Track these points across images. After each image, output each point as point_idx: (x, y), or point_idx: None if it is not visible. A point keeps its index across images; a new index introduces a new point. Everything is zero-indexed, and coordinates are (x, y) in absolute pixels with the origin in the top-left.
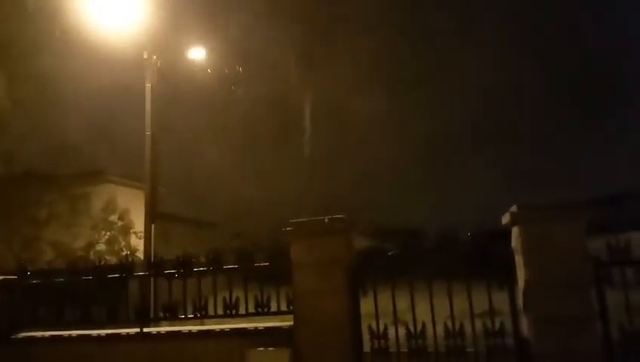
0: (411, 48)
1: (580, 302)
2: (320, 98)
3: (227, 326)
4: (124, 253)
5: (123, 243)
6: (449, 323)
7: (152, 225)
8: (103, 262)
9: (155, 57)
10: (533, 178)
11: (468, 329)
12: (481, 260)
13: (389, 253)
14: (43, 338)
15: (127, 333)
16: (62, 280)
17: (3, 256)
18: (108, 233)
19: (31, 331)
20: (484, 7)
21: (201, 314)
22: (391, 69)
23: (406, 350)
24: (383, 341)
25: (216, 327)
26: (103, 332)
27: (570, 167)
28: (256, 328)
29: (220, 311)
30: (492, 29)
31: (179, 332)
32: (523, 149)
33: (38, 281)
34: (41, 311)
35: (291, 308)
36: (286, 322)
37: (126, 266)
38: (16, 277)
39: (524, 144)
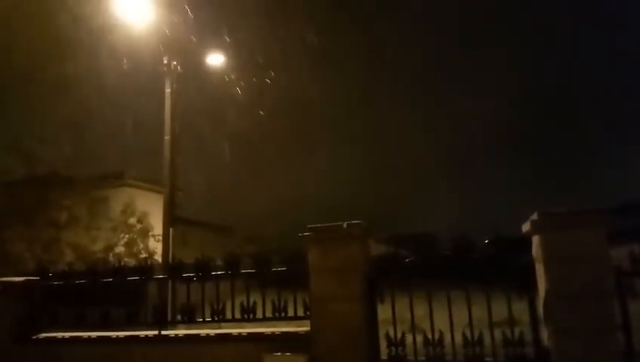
0: (432, 55)
1: (602, 312)
2: (339, 102)
3: (244, 330)
4: (142, 256)
5: (141, 246)
6: (467, 332)
7: (170, 229)
8: (122, 265)
9: (174, 63)
10: (554, 187)
11: (487, 338)
12: (501, 268)
13: (407, 260)
14: (63, 339)
15: (146, 335)
16: (82, 281)
17: (24, 257)
18: (127, 236)
19: (51, 332)
20: (514, 9)
21: (219, 317)
22: (413, 75)
23: (423, 358)
24: (400, 348)
25: (234, 331)
26: (122, 333)
27: (593, 175)
28: (272, 333)
29: (238, 315)
30: (514, 35)
31: (196, 335)
32: (544, 158)
33: (59, 283)
34: (61, 312)
35: (308, 313)
36: (303, 327)
37: (145, 269)
38: (37, 278)
39: (546, 153)
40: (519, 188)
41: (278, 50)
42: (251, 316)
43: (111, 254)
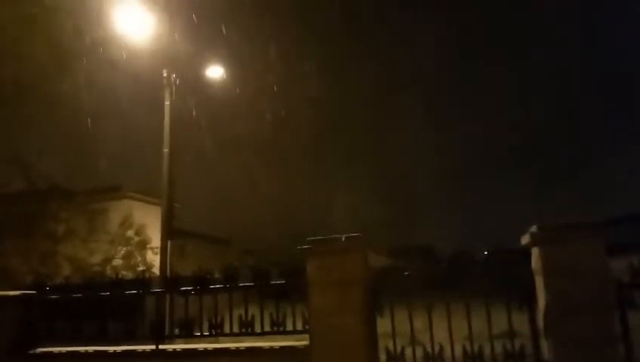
0: (433, 70)
1: (602, 324)
2: (338, 114)
3: (242, 344)
4: (140, 269)
5: (139, 259)
6: (467, 345)
7: (168, 241)
8: (119, 278)
9: (173, 75)
10: (556, 199)
11: (487, 350)
12: (501, 281)
13: (406, 273)
14: (60, 353)
15: (143, 350)
16: (79, 295)
17: (21, 270)
18: (124, 248)
19: (48, 346)
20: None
21: (217, 331)
22: (416, 89)
23: None
24: None
25: (232, 345)
26: (119, 348)
27: (593, 187)
28: (271, 347)
29: (236, 329)
30: (514, 40)
31: (194, 349)
32: (545, 170)
33: (56, 296)
34: (58, 326)
35: (307, 327)
36: (301, 341)
37: (143, 282)
38: (34, 292)
39: (546, 164)
40: (520, 201)
41: (281, 64)
42: (250, 330)
43: (108, 267)
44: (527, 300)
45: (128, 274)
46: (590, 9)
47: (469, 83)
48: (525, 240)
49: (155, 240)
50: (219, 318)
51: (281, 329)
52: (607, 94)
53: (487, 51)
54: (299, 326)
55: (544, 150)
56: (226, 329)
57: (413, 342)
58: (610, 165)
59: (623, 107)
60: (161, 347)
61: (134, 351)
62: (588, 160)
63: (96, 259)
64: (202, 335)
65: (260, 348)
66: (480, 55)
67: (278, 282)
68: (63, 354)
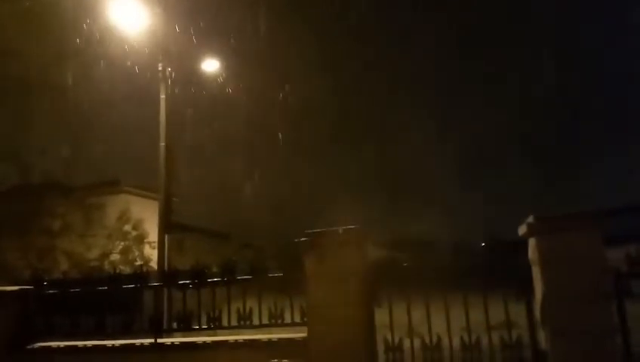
0: (439, 70)
1: (599, 314)
2: (338, 113)
3: (241, 337)
4: (138, 263)
5: (137, 253)
6: (465, 336)
7: (166, 236)
8: (117, 272)
9: (169, 69)
10: (554, 199)
11: (484, 341)
12: (498, 271)
13: (404, 264)
14: (58, 348)
15: (141, 344)
16: (77, 290)
17: (19, 265)
18: (122, 243)
19: (46, 341)
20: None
21: (215, 324)
22: (416, 88)
23: None
24: (397, 353)
25: (230, 338)
26: (118, 342)
27: (590, 177)
28: (269, 339)
29: (234, 322)
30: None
31: (192, 343)
32: (546, 169)
33: (54, 291)
34: (56, 321)
35: (305, 319)
36: (300, 334)
37: (140, 276)
38: (32, 287)
39: (546, 155)
40: (520, 200)
41: (278, 57)
42: (248, 323)
43: (106, 262)
44: (525, 291)
45: (126, 269)
46: (590, 9)
47: (469, 83)
48: (522, 230)
49: (153, 235)
50: (217, 311)
51: (280, 321)
52: (607, 94)
53: (487, 51)
54: (297, 319)
55: (544, 149)
56: (224, 323)
57: (412, 333)
58: (611, 165)
59: (623, 107)
60: (159, 340)
61: (133, 344)
62: (588, 160)
63: (94, 253)
64: (200, 329)
65: (258, 341)
66: (480, 55)
67: (276, 275)
68: (61, 348)
